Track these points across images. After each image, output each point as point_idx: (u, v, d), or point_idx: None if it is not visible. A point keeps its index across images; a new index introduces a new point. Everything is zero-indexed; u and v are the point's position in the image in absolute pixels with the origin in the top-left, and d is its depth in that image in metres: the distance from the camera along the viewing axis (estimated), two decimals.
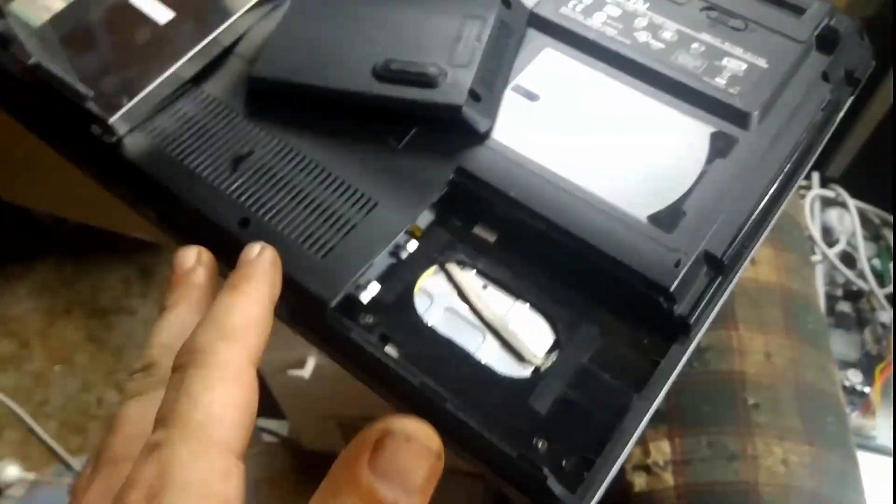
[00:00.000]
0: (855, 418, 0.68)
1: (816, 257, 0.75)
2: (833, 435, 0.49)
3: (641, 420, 0.25)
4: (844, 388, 0.68)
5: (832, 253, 0.75)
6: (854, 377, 0.69)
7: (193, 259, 0.28)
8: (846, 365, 0.70)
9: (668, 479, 0.47)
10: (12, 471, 0.94)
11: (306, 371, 0.74)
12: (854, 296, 0.75)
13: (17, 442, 1.00)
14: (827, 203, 0.80)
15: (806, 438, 0.48)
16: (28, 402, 1.02)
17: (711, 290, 0.27)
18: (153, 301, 1.11)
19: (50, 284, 1.09)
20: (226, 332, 0.24)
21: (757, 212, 0.28)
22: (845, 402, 0.55)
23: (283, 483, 0.92)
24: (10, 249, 1.07)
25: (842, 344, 0.72)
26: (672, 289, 0.26)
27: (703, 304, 0.27)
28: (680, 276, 0.26)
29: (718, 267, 0.27)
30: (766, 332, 0.51)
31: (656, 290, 0.26)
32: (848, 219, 0.78)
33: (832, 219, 0.79)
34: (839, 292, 0.75)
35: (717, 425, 0.48)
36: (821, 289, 0.74)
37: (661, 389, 0.26)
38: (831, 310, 0.74)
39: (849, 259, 0.77)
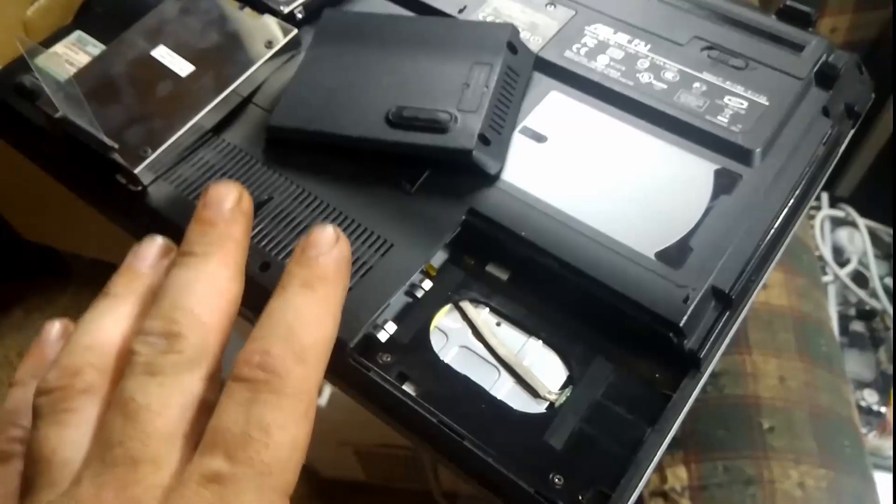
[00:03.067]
0: (872, 439, 0.67)
1: (828, 277, 0.75)
2: (849, 458, 0.49)
3: (655, 453, 0.26)
4: (860, 408, 0.68)
5: (844, 273, 0.75)
6: (870, 397, 0.69)
7: (234, 200, 0.22)
8: (861, 385, 0.70)
9: None
10: None
11: (322, 399, 0.75)
12: (867, 315, 0.75)
13: None
14: (837, 223, 0.80)
15: (822, 462, 0.48)
16: None
17: (720, 324, 0.28)
18: None
19: (69, 315, 1.11)
20: (304, 352, 0.20)
21: (763, 246, 0.29)
22: (861, 423, 0.55)
23: None
24: (29, 282, 1.09)
25: (856, 364, 0.71)
26: (681, 324, 0.27)
27: (712, 338, 0.27)
28: (689, 312, 0.27)
29: (726, 301, 0.28)
30: (779, 355, 0.52)
31: (666, 326, 0.27)
32: (858, 238, 0.78)
33: (843, 238, 0.79)
34: (852, 312, 0.75)
35: (733, 450, 0.48)
36: (834, 309, 0.74)
37: (673, 423, 0.26)
38: (845, 330, 0.74)
39: (861, 278, 0.77)
